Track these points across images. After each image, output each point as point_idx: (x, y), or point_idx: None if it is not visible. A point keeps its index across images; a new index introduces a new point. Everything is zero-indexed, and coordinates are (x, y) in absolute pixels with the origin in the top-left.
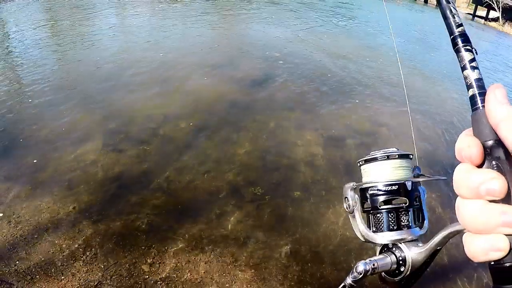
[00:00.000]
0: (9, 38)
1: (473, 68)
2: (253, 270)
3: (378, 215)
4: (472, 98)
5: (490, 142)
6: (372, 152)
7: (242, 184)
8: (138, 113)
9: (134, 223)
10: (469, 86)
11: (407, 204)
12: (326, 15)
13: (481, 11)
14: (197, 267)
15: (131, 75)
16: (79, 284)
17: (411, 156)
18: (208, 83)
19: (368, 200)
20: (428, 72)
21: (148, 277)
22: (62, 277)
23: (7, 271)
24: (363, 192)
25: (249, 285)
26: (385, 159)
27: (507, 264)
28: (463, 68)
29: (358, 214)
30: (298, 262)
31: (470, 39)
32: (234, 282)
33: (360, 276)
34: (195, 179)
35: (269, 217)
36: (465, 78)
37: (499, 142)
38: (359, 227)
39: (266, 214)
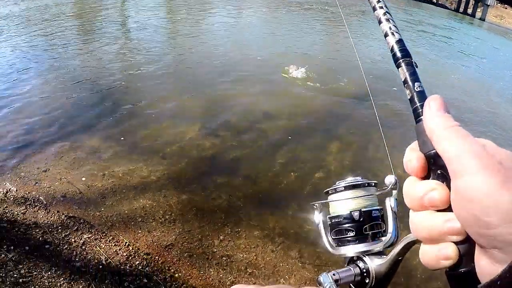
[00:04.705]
0: (129, 21)
1: (414, 81)
2: (316, 269)
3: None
4: (415, 111)
5: (432, 152)
6: (337, 182)
7: (325, 188)
8: (240, 106)
9: (215, 201)
10: (411, 99)
11: (367, 231)
12: (425, 36)
13: None
14: (263, 253)
15: (238, 70)
16: (152, 240)
17: (373, 184)
18: (309, 90)
19: (335, 229)
20: None
21: (216, 251)
22: (139, 231)
23: (91, 214)
24: (330, 220)
25: (307, 282)
26: (333, 193)
27: (461, 270)
28: (404, 82)
29: (322, 232)
30: None
31: (411, 54)
32: (294, 275)
33: None
34: (281, 175)
35: None
36: (407, 92)
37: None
38: (325, 241)
39: None
